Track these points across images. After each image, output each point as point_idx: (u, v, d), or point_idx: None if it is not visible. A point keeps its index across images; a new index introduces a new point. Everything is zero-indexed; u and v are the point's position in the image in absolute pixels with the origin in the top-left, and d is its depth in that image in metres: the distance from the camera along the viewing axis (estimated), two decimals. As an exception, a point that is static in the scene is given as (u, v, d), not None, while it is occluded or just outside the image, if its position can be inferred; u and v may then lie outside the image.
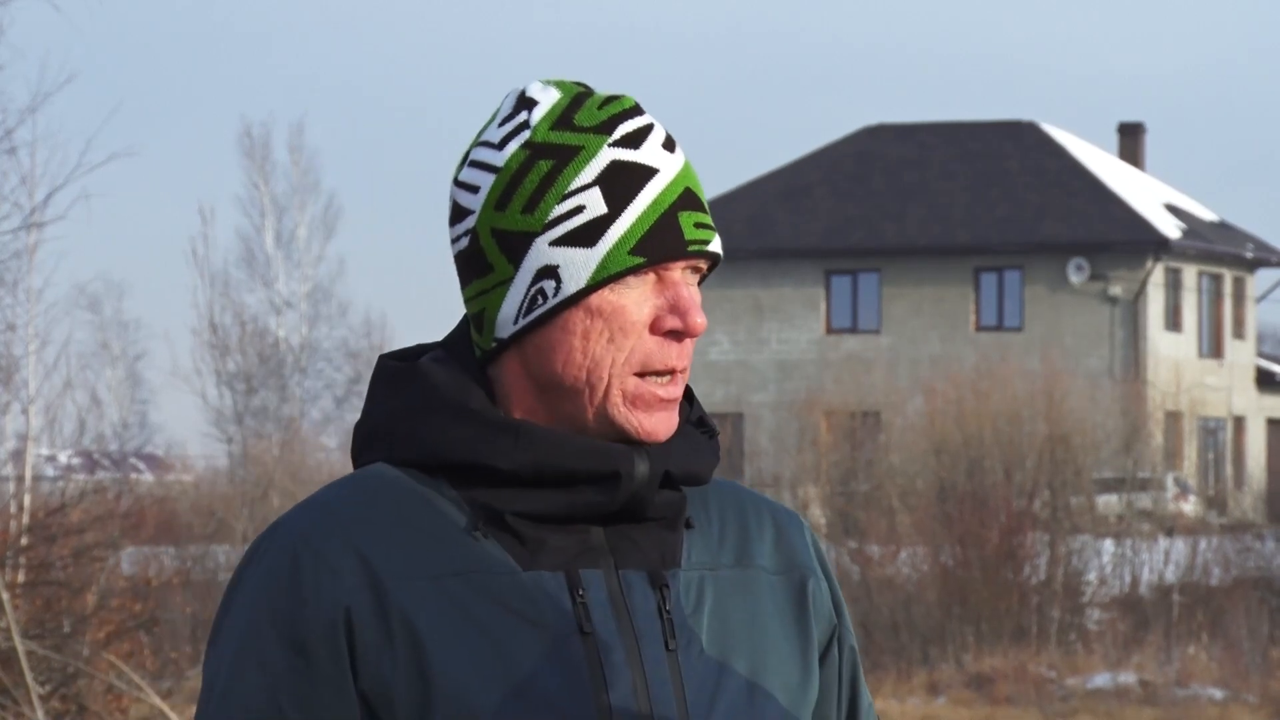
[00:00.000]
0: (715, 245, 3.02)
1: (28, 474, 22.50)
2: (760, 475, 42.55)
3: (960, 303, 58.08)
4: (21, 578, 16.49)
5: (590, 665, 2.93)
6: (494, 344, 3.05)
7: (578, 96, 3.02)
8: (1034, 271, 57.63)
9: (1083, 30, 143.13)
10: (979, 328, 57.34)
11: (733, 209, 60.88)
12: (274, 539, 2.98)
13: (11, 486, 22.07)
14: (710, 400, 57.38)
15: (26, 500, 20.46)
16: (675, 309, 2.98)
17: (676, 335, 2.99)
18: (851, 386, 49.39)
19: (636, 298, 2.98)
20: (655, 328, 2.98)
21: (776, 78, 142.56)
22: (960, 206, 58.21)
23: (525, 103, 3.03)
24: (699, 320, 2.96)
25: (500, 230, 3.00)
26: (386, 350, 3.28)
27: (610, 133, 2.98)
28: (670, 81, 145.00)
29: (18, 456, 23.99)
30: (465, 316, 3.15)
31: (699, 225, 2.99)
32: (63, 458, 25.30)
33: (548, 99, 3.02)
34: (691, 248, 2.98)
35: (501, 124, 3.03)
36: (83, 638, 19.45)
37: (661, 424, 3.00)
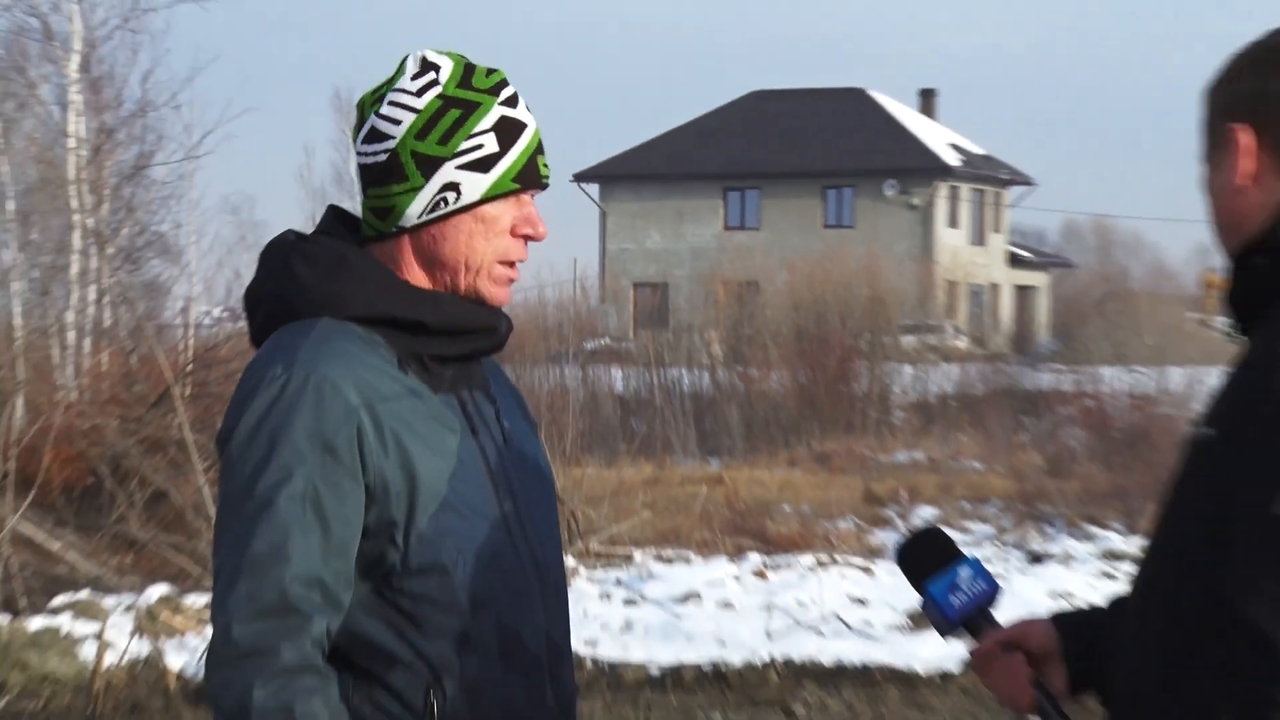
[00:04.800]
0: (550, 180, 3.08)
1: (191, 323, 22.47)
2: (680, 324, 42.26)
3: (814, 210, 57.71)
4: (189, 392, 16.51)
5: (480, 450, 2.99)
6: (394, 230, 3.01)
7: (468, 65, 3.03)
8: (862, 189, 57.30)
9: (900, 18, 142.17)
10: (825, 226, 56.90)
11: (661, 147, 60.40)
12: (292, 371, 2.87)
13: (181, 332, 22.04)
14: (647, 274, 57.25)
15: (191, 340, 20.44)
16: (529, 221, 3.03)
17: (526, 238, 3.03)
18: (740, 265, 49.01)
19: (505, 210, 3.00)
20: (514, 232, 3.01)
21: (696, 53, 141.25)
22: (815, 145, 57.79)
23: (429, 65, 3.01)
24: (544, 229, 3.04)
25: (418, 152, 2.96)
26: None
27: (498, 95, 3.00)
28: (631, 59, 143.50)
29: (185, 311, 23.89)
30: (330, 213, 3.12)
31: (545, 165, 3.04)
32: (215, 312, 25.19)
33: (446, 64, 3.01)
34: (543, 180, 3.04)
35: (414, 79, 3.00)
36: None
37: (506, 296, 3.06)
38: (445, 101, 2.98)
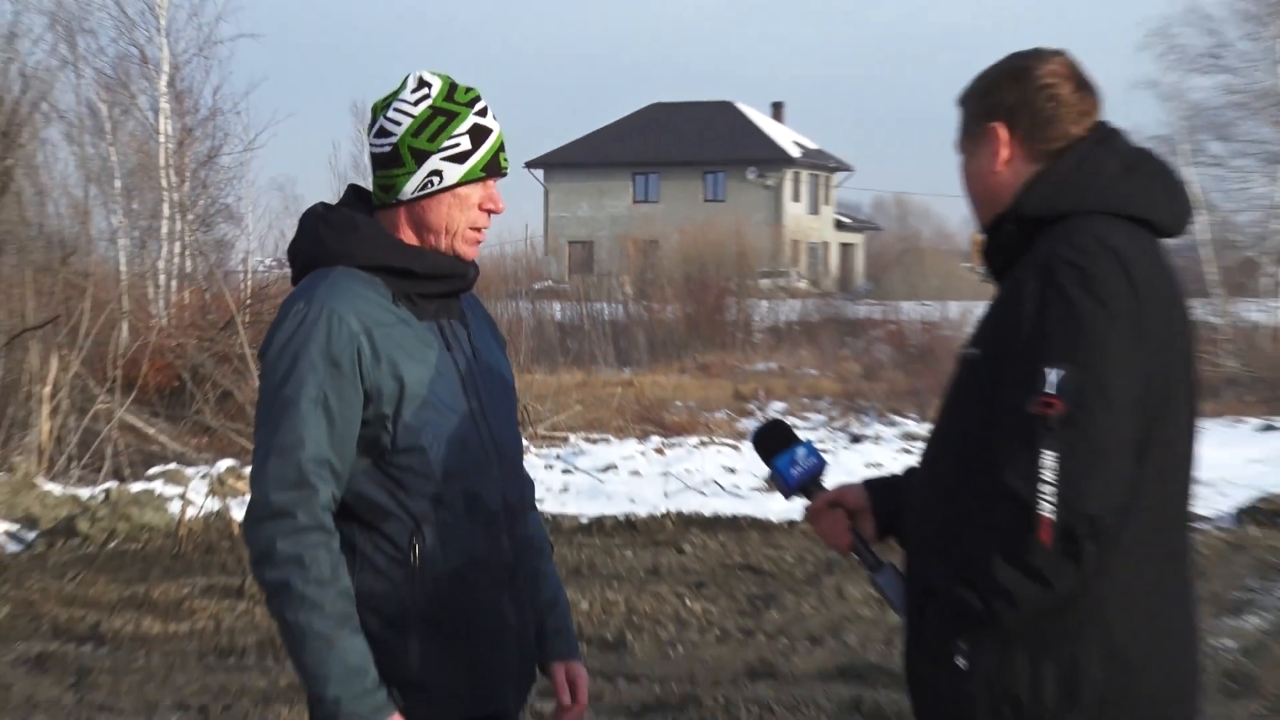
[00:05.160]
0: (510, 168, 3.06)
1: (249, 270, 22.29)
2: (602, 271, 42.26)
3: (697, 189, 57.55)
4: (247, 320, 16.39)
5: (454, 363, 2.98)
6: (394, 202, 3.00)
7: (452, 84, 3.02)
8: (731, 173, 57.17)
9: (759, 50, 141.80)
10: (705, 200, 56.81)
11: (588, 143, 60.13)
12: (311, 305, 2.87)
13: (242, 276, 21.86)
14: (578, 234, 57.11)
15: (249, 282, 20.27)
16: (492, 199, 3.02)
17: (489, 211, 3.03)
18: (645, 228, 48.91)
19: (475, 191, 3.01)
20: (481, 206, 3.01)
21: (613, 74, 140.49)
22: (697, 142, 57.71)
23: (424, 83, 3.00)
24: (503, 205, 3.02)
25: (413, 147, 2.96)
26: None
27: (473, 107, 3.00)
28: (566, 79, 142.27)
29: (244, 261, 23.71)
30: (350, 190, 3.10)
31: (505, 159, 3.02)
32: (267, 262, 25.03)
33: (436, 83, 3.01)
34: (503, 171, 3.02)
35: (413, 93, 2.99)
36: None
37: (474, 252, 3.05)
38: (434, 111, 2.97)
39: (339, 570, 2.80)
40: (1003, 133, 2.74)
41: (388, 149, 2.98)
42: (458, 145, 2.97)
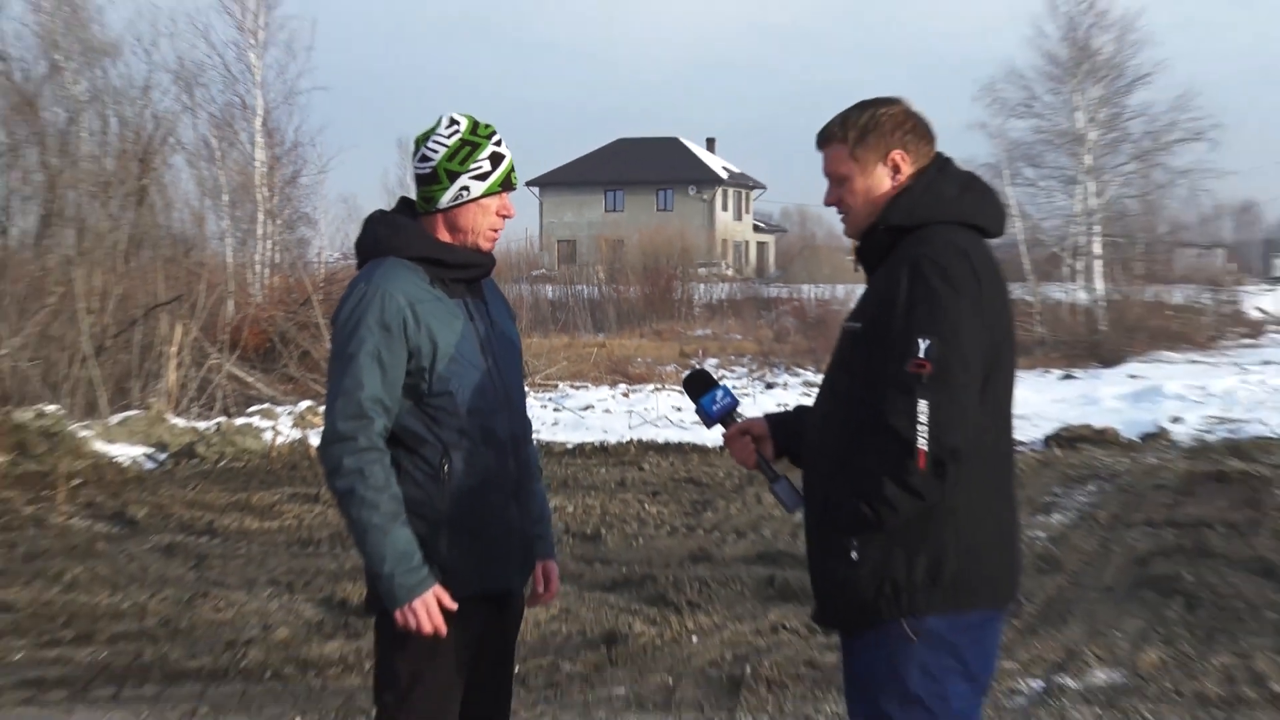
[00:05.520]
0: (519, 184, 3.01)
1: (322, 261, 22.12)
2: (582, 261, 42.03)
3: (652, 202, 57.20)
4: (321, 298, 16.25)
5: (476, 333, 2.93)
6: (433, 210, 2.96)
7: (475, 121, 2.98)
8: (677, 191, 56.86)
9: (699, 98, 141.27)
10: (658, 211, 56.62)
11: (571, 168, 59.57)
12: (369, 286, 2.84)
13: (316, 266, 21.68)
14: (564, 235, 56.71)
15: (322, 271, 20.11)
16: (506, 207, 2.98)
17: (504, 216, 2.99)
18: (614, 230, 48.67)
19: (494, 201, 2.97)
20: (498, 213, 2.97)
21: (589, 115, 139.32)
22: (652, 167, 57.30)
23: (454, 121, 2.96)
24: (514, 212, 2.99)
25: (447, 169, 2.92)
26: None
27: (491, 139, 2.96)
28: (552, 120, 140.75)
29: (319, 255, 23.54)
30: (401, 201, 3.04)
31: (515, 177, 2.98)
32: (336, 255, 24.90)
33: (463, 121, 2.97)
34: (515, 185, 2.98)
35: (446, 128, 2.96)
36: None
37: (492, 248, 3.00)
38: (462, 141, 2.95)
39: (390, 480, 2.78)
40: (905, 157, 2.68)
41: (428, 170, 2.94)
42: (481, 167, 2.94)
